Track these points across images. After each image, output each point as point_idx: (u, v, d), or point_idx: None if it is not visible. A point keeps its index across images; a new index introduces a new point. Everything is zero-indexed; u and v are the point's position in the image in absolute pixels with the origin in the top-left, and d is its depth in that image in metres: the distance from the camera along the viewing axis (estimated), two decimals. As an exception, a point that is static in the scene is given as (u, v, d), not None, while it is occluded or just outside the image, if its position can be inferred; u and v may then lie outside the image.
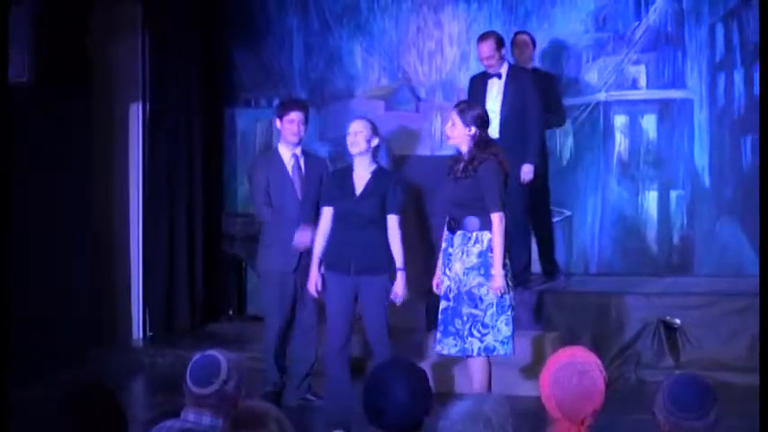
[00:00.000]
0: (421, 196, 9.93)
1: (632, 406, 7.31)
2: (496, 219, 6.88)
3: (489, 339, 6.91)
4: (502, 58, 8.89)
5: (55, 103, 9.11)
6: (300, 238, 7.77)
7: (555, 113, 9.44)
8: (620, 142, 10.44)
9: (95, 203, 9.84)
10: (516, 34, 9.60)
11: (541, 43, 10.32)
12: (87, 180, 9.71)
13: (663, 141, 10.34)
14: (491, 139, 7.18)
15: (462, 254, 6.95)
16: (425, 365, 7.60)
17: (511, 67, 8.98)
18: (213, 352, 4.06)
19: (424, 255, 10.01)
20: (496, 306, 6.91)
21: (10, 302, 8.38)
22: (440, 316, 7.08)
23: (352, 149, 7.35)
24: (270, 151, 8.21)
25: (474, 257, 6.91)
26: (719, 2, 10.17)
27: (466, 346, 6.93)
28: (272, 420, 3.59)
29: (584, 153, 10.42)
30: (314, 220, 7.66)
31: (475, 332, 6.91)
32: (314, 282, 7.40)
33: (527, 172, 8.74)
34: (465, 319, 6.92)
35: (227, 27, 11.11)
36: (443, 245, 7.14)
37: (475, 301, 6.90)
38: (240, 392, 4.01)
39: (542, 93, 9.02)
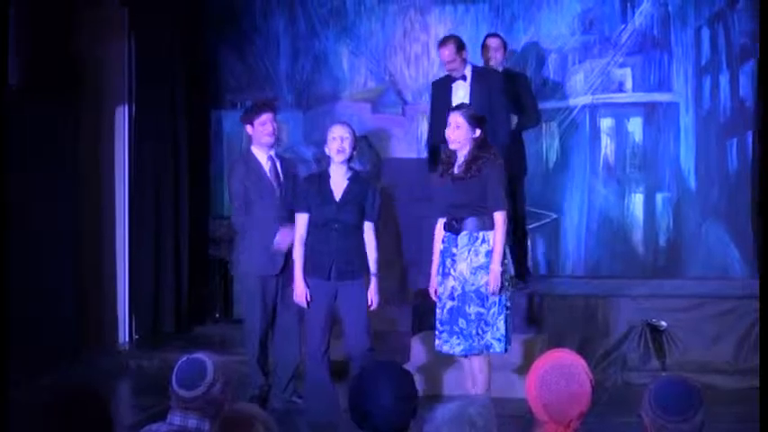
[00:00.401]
0: (402, 199, 9.95)
1: (619, 408, 7.33)
2: (501, 217, 6.95)
3: (488, 337, 6.98)
4: (464, 61, 8.79)
5: (41, 106, 9.08)
6: (281, 238, 7.74)
7: (528, 114, 9.27)
8: (607, 145, 10.46)
9: (82, 206, 9.81)
10: (487, 37, 9.46)
11: (527, 46, 10.36)
12: (73, 182, 9.69)
13: (649, 144, 10.36)
14: (488, 140, 7.19)
15: (469, 254, 6.98)
16: (410, 367, 7.67)
17: (475, 69, 8.89)
18: (199, 355, 4.05)
19: (412, 255, 10.04)
20: (498, 305, 6.98)
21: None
22: (444, 316, 7.07)
23: (339, 157, 7.23)
24: (246, 155, 8.04)
25: (482, 257, 6.96)
26: (705, 5, 10.19)
27: (474, 344, 6.97)
28: (258, 423, 3.59)
29: (571, 156, 10.44)
30: (291, 221, 7.63)
31: (479, 330, 6.98)
32: (302, 292, 7.30)
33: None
34: (472, 317, 6.96)
35: (213, 29, 11.10)
36: (440, 246, 7.14)
37: (482, 299, 6.95)
38: (226, 395, 4.00)
39: (513, 93, 8.98)
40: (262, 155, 7.92)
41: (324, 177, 7.35)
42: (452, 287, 7.04)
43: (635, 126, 10.41)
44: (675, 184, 10.28)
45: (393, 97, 10.89)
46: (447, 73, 8.91)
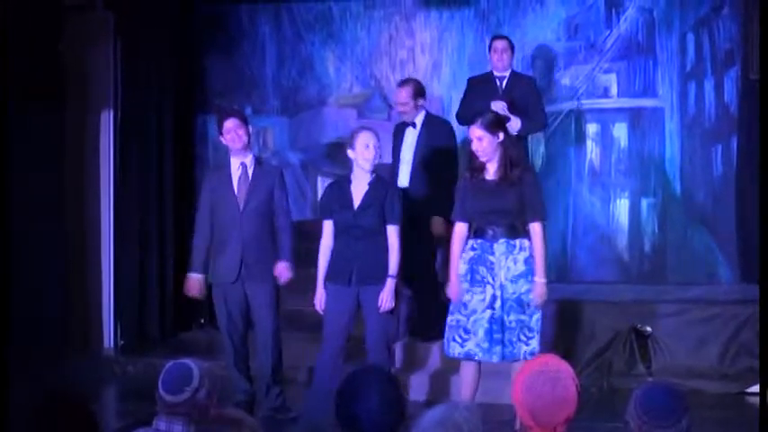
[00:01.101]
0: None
1: (605, 413, 7.34)
2: (539, 227, 6.93)
3: (534, 343, 6.93)
4: (417, 107, 8.70)
5: (27, 110, 9.06)
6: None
7: (532, 118, 9.01)
8: (592, 150, 10.47)
9: (67, 211, 9.80)
10: (493, 39, 9.31)
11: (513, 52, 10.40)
12: (59, 187, 9.68)
13: (634, 149, 10.37)
14: (518, 144, 7.18)
15: (507, 261, 6.94)
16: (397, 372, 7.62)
17: (427, 117, 8.78)
18: (185, 360, 4.06)
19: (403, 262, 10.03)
20: (540, 311, 6.98)
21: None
22: (483, 326, 6.95)
23: (365, 165, 7.23)
24: (223, 162, 8.02)
25: (521, 264, 6.93)
26: (690, 11, 10.21)
27: (514, 350, 6.91)
28: (245, 428, 3.59)
29: (556, 161, 10.45)
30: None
31: (522, 337, 6.93)
32: (319, 298, 7.34)
33: (438, 224, 8.45)
34: (513, 325, 6.91)
35: (199, 34, 11.10)
36: (471, 253, 7.03)
37: (523, 307, 6.92)
38: (212, 401, 4.00)
39: (519, 97, 8.90)
40: (235, 162, 7.85)
41: (345, 183, 7.36)
42: (492, 295, 6.95)
43: (620, 131, 10.42)
44: (661, 190, 10.29)
45: (379, 103, 10.89)
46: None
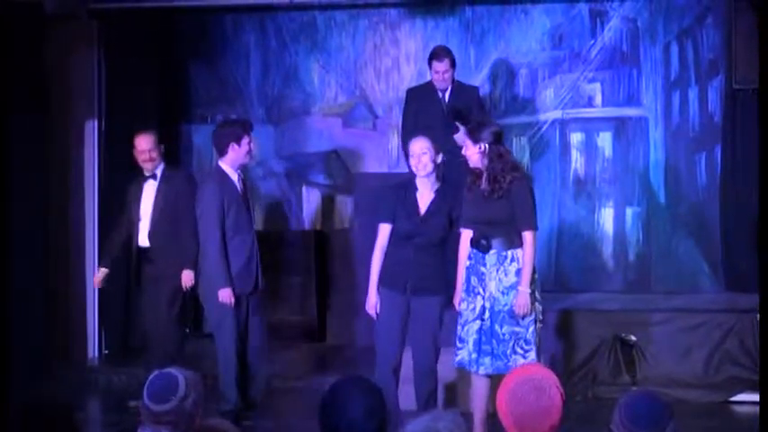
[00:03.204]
0: (373, 213, 9.96)
1: (589, 422, 7.33)
2: (530, 236, 6.84)
3: (532, 355, 6.82)
4: (153, 159, 8.39)
5: (11, 119, 9.03)
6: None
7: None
8: (577, 159, 10.49)
9: (50, 220, 9.77)
10: (432, 59, 8.99)
11: (497, 61, 10.41)
12: (42, 196, 9.65)
13: (618, 159, 10.40)
14: (506, 153, 7.02)
15: (498, 273, 6.88)
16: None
17: (165, 169, 8.49)
18: (171, 369, 4.04)
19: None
20: (536, 322, 6.88)
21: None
22: (473, 336, 6.92)
23: (420, 172, 7.15)
24: (219, 172, 7.85)
25: (512, 276, 6.84)
26: (674, 21, 10.25)
27: (509, 364, 6.75)
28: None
29: (541, 170, 10.46)
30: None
31: (518, 349, 6.83)
32: (372, 302, 7.24)
33: (188, 278, 8.21)
34: (506, 337, 6.83)
35: (183, 43, 11.09)
36: (468, 262, 7.00)
37: (516, 318, 6.82)
38: (198, 410, 3.98)
39: (463, 108, 8.73)
40: (232, 171, 7.83)
41: (411, 188, 7.24)
42: (482, 306, 6.91)
43: (605, 141, 10.44)
44: (645, 199, 10.32)
45: (364, 112, 10.89)
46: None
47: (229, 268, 7.63)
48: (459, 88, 8.92)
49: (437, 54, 8.96)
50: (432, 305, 7.16)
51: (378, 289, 7.22)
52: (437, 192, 7.18)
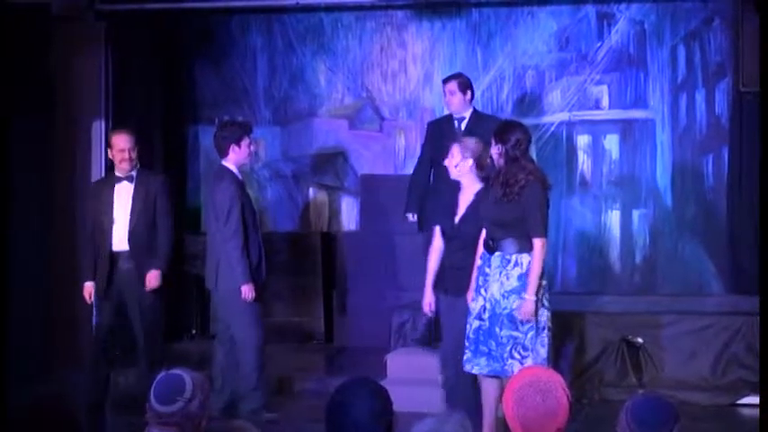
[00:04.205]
0: (379, 214, 9.96)
1: (595, 425, 7.33)
2: (538, 244, 6.80)
3: (529, 361, 6.74)
4: (132, 160, 8.23)
5: (16, 120, 9.04)
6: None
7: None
8: (583, 162, 10.48)
9: (57, 220, 9.77)
10: (443, 82, 8.96)
11: (504, 63, 10.40)
12: (49, 197, 9.65)
13: (625, 161, 10.39)
14: (524, 156, 6.97)
15: (500, 276, 6.86)
16: (387, 384, 7.58)
17: (140, 171, 8.31)
18: (178, 370, 4.04)
19: (389, 272, 10.04)
20: (536, 328, 6.82)
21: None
22: (470, 335, 6.95)
23: (453, 174, 7.21)
24: (229, 173, 7.99)
25: (514, 280, 6.82)
26: (681, 23, 10.24)
27: (506, 367, 6.78)
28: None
29: (547, 172, 10.33)
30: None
31: (516, 354, 6.80)
32: (427, 302, 7.34)
33: (153, 278, 8.24)
34: (504, 341, 6.80)
35: (190, 45, 11.10)
36: (478, 262, 7.03)
37: (515, 323, 6.79)
38: (205, 411, 3.98)
39: (482, 137, 7.92)
40: (237, 172, 8.02)
41: (455, 190, 7.29)
42: (482, 307, 6.91)
43: (611, 143, 10.44)
44: (652, 201, 10.31)
45: (370, 113, 10.89)
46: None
47: (251, 264, 7.87)
48: (476, 117, 8.78)
49: (446, 77, 8.96)
50: (461, 304, 7.16)
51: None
52: (477, 194, 7.18)
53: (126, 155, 8.13)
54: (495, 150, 6.93)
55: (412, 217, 8.83)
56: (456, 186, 7.25)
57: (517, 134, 6.93)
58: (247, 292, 7.82)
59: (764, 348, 7.72)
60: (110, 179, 8.36)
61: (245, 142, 7.95)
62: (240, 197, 7.88)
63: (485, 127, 8.53)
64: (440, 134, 8.71)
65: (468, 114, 8.75)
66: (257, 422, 7.50)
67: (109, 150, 8.28)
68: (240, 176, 8.01)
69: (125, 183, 8.20)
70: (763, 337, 7.94)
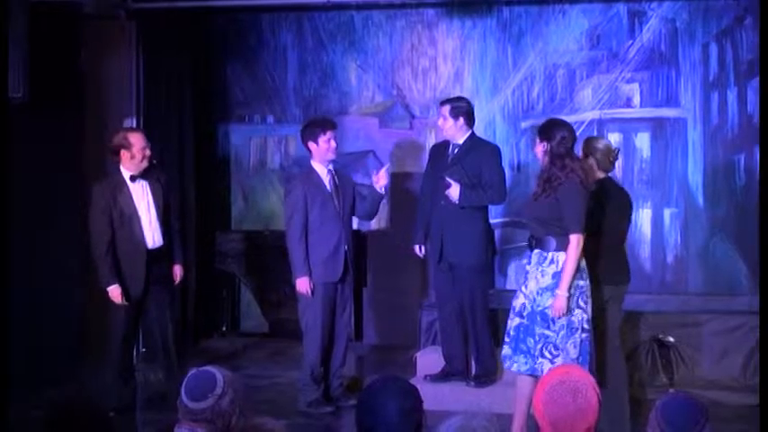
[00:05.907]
0: (410, 214, 9.96)
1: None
2: (575, 240, 6.73)
3: (559, 361, 6.68)
4: (150, 157, 8.28)
5: (46, 120, 9.08)
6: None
7: (483, 189, 8.28)
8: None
9: (87, 219, 9.80)
10: (440, 104, 8.68)
11: (535, 62, 10.38)
12: (79, 197, 9.69)
13: (656, 160, 10.34)
14: (569, 154, 6.93)
15: (537, 273, 6.85)
16: (416, 382, 7.60)
17: (151, 168, 8.30)
18: (209, 367, 4.05)
19: (416, 270, 10.04)
20: (567, 328, 6.76)
21: None
22: (511, 332, 6.95)
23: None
24: (307, 171, 8.36)
25: (549, 278, 6.79)
26: (713, 21, 10.19)
27: (536, 366, 6.78)
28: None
29: (578, 171, 10.40)
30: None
31: (546, 353, 6.77)
32: None
33: (180, 271, 8.49)
34: (537, 338, 6.79)
35: (221, 43, 11.14)
36: (524, 260, 7.09)
37: (548, 321, 6.76)
38: (235, 408, 3.99)
39: (472, 165, 8.30)
40: (322, 169, 8.28)
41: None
42: (522, 304, 6.91)
43: (643, 141, 10.39)
44: (683, 200, 10.26)
45: (401, 112, 10.90)
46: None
47: (308, 259, 8.12)
48: (470, 144, 8.39)
49: (443, 100, 8.73)
50: None
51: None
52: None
53: (147, 152, 8.18)
54: (540, 148, 6.93)
55: (419, 249, 8.63)
56: None
57: (562, 132, 6.92)
58: (301, 285, 8.10)
59: (765, 348, 7.69)
60: (118, 180, 8.21)
61: (322, 138, 8.21)
62: (306, 195, 8.15)
63: (473, 155, 8.36)
64: (436, 159, 8.59)
65: (462, 140, 8.39)
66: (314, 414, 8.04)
67: (123, 151, 8.13)
68: (327, 171, 8.28)
69: (140, 181, 8.21)
70: (764, 337, 7.91)
